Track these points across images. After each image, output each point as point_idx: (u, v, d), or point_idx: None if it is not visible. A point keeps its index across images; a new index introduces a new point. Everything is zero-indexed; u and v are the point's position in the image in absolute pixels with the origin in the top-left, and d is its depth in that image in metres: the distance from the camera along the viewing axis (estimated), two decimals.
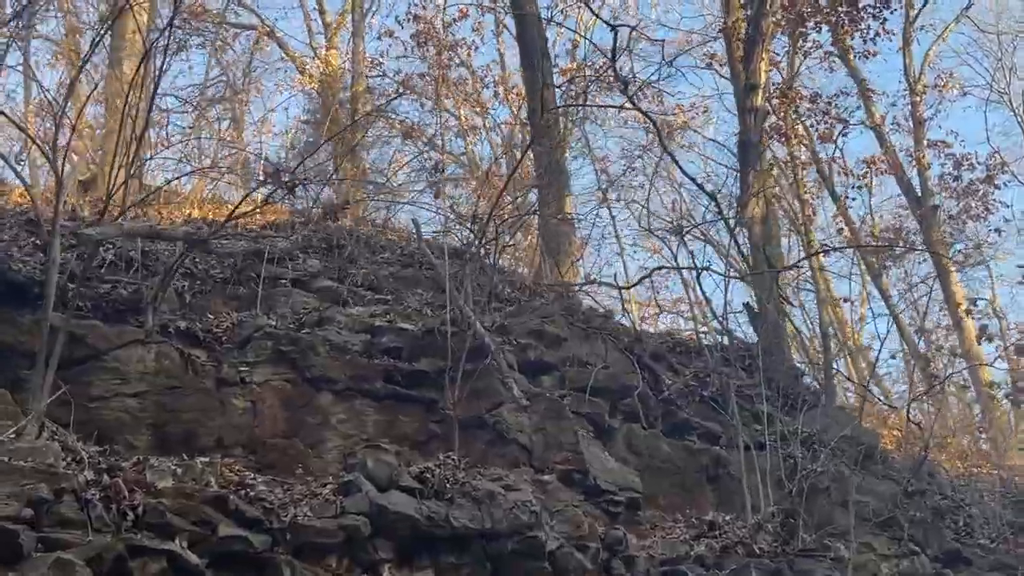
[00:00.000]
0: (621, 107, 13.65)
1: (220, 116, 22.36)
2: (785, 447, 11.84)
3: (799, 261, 16.04)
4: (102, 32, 8.58)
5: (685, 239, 13.29)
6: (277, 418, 8.61)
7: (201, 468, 7.52)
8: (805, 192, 20.22)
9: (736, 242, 13.68)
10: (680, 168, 12.94)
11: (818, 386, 14.30)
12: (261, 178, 9.40)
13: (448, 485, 8.19)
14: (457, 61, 21.50)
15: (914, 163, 29.54)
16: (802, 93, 17.20)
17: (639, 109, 12.11)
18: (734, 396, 11.45)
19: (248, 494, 7.52)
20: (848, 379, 15.21)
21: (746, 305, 13.86)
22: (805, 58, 19.19)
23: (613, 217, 22.47)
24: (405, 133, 20.01)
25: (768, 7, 14.61)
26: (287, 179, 8.07)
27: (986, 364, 18.17)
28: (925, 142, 29.71)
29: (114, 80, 12.83)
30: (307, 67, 23.92)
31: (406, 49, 21.65)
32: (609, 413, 10.83)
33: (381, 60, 22.42)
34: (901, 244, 20.43)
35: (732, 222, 13.38)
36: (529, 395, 9.54)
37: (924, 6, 31.81)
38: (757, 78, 14.60)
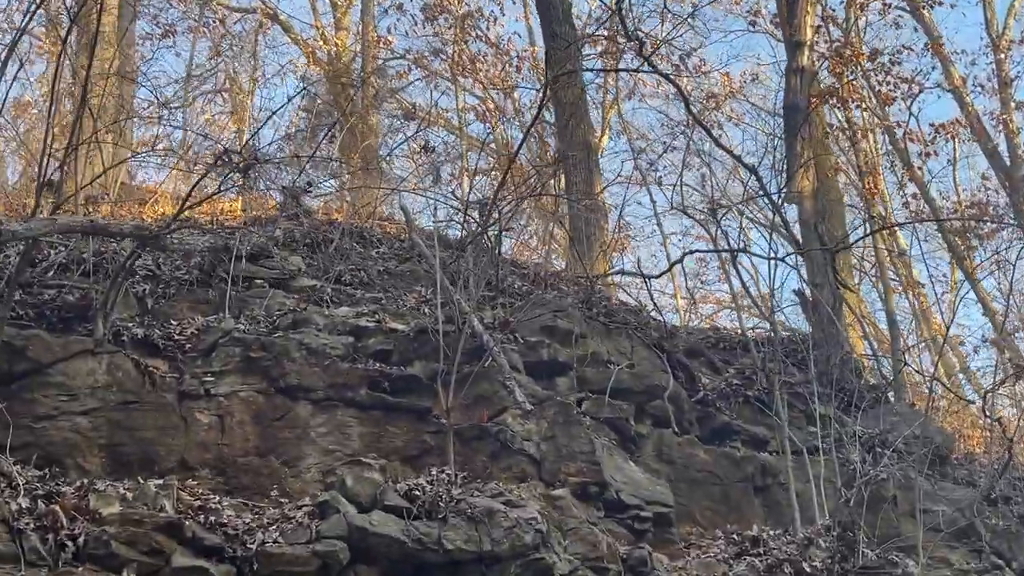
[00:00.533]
0: (636, 70, 13.18)
1: (220, 107, 22.34)
2: (843, 451, 11.44)
3: (855, 240, 15.45)
4: (34, 7, 8.41)
5: (722, 220, 12.95)
6: (248, 434, 8.41)
7: (155, 492, 7.34)
8: (867, 162, 19.59)
9: (783, 220, 13.27)
10: (712, 138, 12.50)
11: (884, 381, 13.81)
12: (211, 162, 9.17)
13: (441, 503, 7.92)
14: (474, 34, 21.21)
15: (1000, 128, 28.78)
16: (859, 51, 16.56)
17: (658, 72, 11.72)
18: (780, 395, 11.05)
19: (209, 519, 7.33)
20: (918, 372, 14.62)
21: (797, 292, 13.43)
22: (862, 10, 18.58)
23: (654, 201, 21.99)
24: (406, 114, 19.75)
25: None
26: (239, 160, 7.84)
27: None
28: (1012, 104, 28.92)
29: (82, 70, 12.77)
30: (314, 51, 23.83)
31: (415, 24, 21.43)
32: (635, 418, 10.48)
33: (390, 38, 22.22)
34: (986, 219, 19.57)
35: (778, 197, 12.93)
36: (536, 399, 9.24)
37: None
38: (802, 34, 14.15)
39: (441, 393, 8.69)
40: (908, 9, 31.67)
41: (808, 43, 14.11)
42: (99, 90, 12.31)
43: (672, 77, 12.38)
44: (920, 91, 28.10)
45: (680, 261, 12.84)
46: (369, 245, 11.75)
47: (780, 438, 11.27)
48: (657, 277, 12.98)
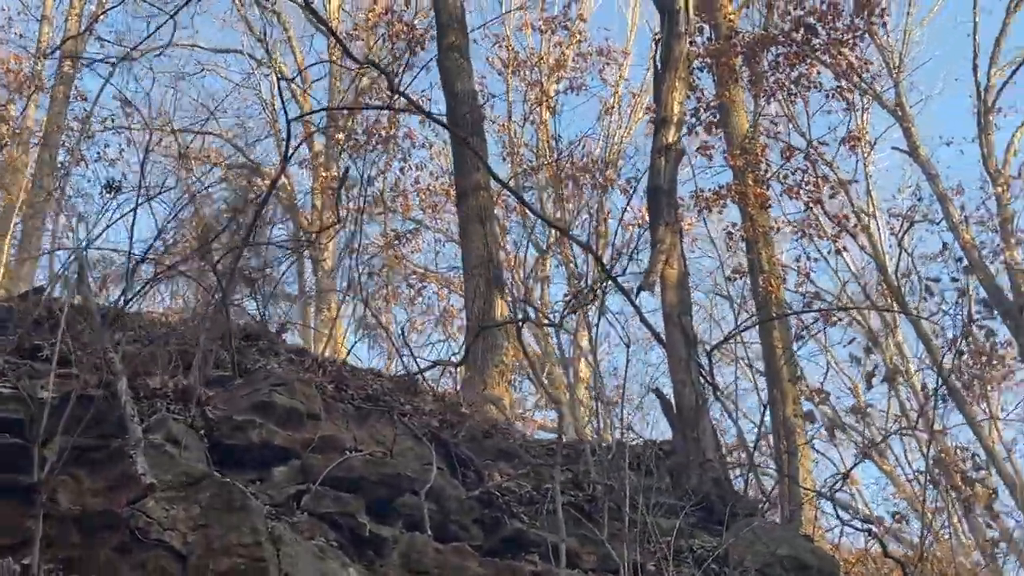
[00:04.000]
0: (389, 108, 11.04)
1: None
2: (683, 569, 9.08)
3: (729, 335, 13.11)
4: None
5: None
6: None
7: None
8: (775, 262, 17.30)
9: (639, 311, 11.18)
10: (526, 205, 10.60)
11: (762, 494, 11.36)
12: None
13: None
14: None
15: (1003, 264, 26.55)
16: (763, 145, 14.62)
17: (416, 106, 9.88)
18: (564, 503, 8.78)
19: None
20: (799, 485, 11.87)
21: (656, 391, 11.21)
22: (768, 100, 16.68)
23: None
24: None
25: (684, 28, 12.47)
26: None
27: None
28: (1013, 240, 26.72)
29: None
30: None
31: None
32: (380, 517, 8.27)
33: None
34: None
35: (633, 286, 10.97)
36: (192, 478, 7.15)
37: (1001, 88, 29.48)
38: (668, 111, 12.37)
39: (36, 464, 6.67)
40: (907, 151, 30.13)
41: (674, 120, 12.29)
42: None
43: (434, 115, 10.60)
44: (911, 225, 26.24)
45: (479, 334, 10.70)
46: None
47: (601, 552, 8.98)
48: (457, 365, 10.77)
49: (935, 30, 53.82)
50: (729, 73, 15.19)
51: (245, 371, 9.16)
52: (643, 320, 11.23)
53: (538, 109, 23.20)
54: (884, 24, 16.33)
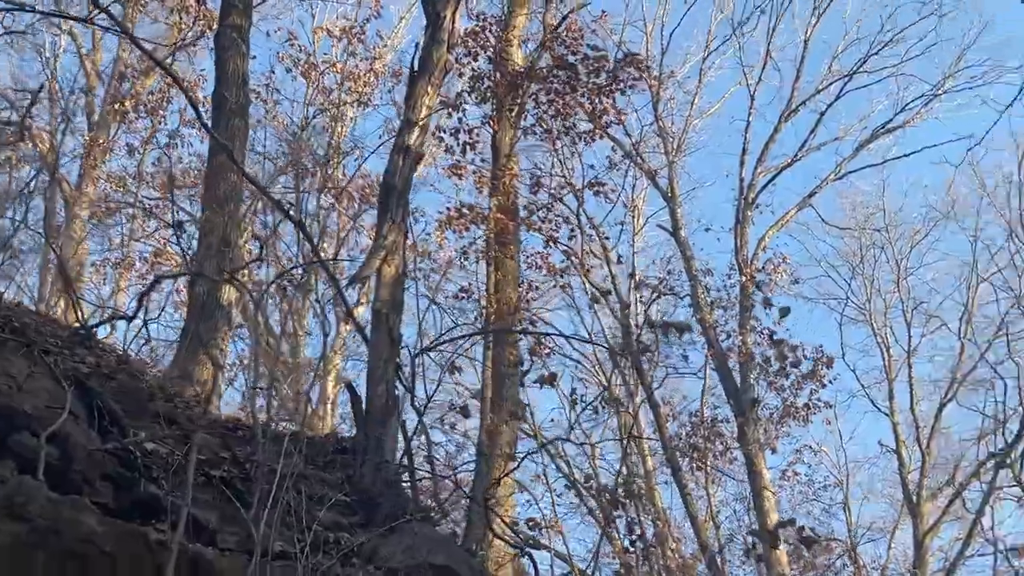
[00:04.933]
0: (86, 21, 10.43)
1: None
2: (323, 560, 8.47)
3: (436, 343, 12.75)
4: None
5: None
6: None
7: None
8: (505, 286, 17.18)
9: (344, 300, 10.59)
10: (259, 188, 9.93)
11: (436, 502, 10.90)
12: None
13: None
14: None
15: (738, 351, 27.57)
16: (514, 173, 14.59)
17: (125, 31, 9.05)
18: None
19: None
20: (470, 497, 11.57)
21: (348, 385, 10.60)
22: (523, 135, 16.72)
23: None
24: None
25: (446, 37, 12.15)
26: None
27: None
28: (748, 328, 27.85)
29: None
30: None
31: None
32: None
33: None
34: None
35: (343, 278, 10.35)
36: None
37: (763, 188, 30.98)
38: (416, 113, 11.95)
39: None
40: (669, 231, 31.10)
41: (420, 123, 11.89)
42: None
43: (137, 40, 9.81)
44: (658, 296, 26.88)
45: (150, 290, 9.87)
46: None
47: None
48: (130, 319, 9.85)
49: (717, 122, 56.30)
50: (498, 103, 15.10)
51: None
52: (348, 312, 10.70)
53: (322, 115, 22.60)
54: (642, 75, 16.58)
